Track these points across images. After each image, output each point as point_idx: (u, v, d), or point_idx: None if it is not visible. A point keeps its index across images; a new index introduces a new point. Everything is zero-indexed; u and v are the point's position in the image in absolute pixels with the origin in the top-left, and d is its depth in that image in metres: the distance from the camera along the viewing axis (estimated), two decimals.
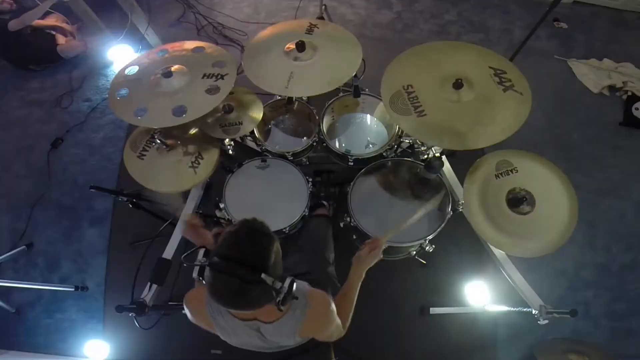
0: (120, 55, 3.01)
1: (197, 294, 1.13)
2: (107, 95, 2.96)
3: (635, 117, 2.76)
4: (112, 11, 3.05)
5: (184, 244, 1.85)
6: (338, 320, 1.17)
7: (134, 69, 1.66)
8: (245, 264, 0.86)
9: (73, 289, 2.29)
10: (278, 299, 0.90)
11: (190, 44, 1.76)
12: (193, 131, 1.81)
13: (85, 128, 2.86)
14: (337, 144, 1.98)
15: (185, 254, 1.02)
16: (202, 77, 1.62)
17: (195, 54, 1.72)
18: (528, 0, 3.31)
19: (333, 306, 1.14)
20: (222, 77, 1.62)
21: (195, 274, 0.94)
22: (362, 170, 1.85)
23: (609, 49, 3.06)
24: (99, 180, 2.62)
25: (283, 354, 1.36)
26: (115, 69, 3.09)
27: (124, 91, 1.58)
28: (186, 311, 1.14)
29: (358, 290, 1.30)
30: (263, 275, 0.86)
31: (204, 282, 0.93)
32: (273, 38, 1.77)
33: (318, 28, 1.79)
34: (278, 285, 0.89)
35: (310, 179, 1.84)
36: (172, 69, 1.60)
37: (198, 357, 2.15)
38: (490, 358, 2.18)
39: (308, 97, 2.13)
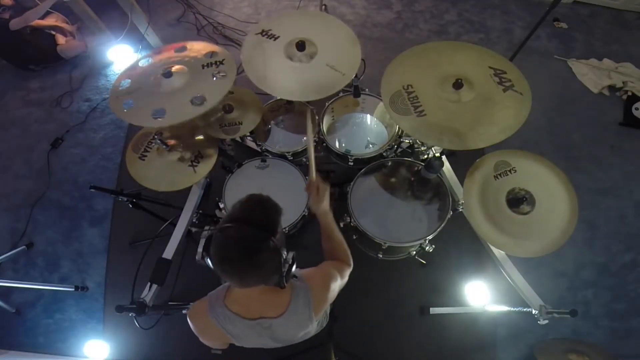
0: (120, 55, 3.01)
1: (198, 308, 1.10)
2: (107, 95, 2.96)
3: (635, 117, 2.76)
4: (112, 11, 3.05)
5: (184, 243, 1.85)
6: (339, 278, 1.17)
7: (127, 82, 1.64)
8: (256, 225, 0.89)
9: (73, 289, 2.29)
10: (283, 269, 0.92)
11: (170, 48, 1.74)
12: (199, 137, 1.81)
13: (85, 128, 2.86)
14: (337, 144, 1.98)
15: (193, 222, 1.03)
16: (203, 68, 1.62)
17: (179, 54, 1.70)
18: (528, 0, 3.31)
19: (329, 270, 1.15)
20: (221, 62, 1.62)
21: (200, 249, 0.93)
22: (362, 170, 1.85)
23: (609, 49, 3.07)
24: (99, 180, 2.63)
25: (283, 354, 1.36)
26: (115, 69, 3.10)
27: (129, 102, 1.57)
28: (193, 329, 1.10)
29: (335, 224, 1.29)
30: (273, 239, 0.89)
31: (208, 261, 0.93)
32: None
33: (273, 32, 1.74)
34: (284, 253, 0.92)
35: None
36: (172, 69, 1.60)
37: (198, 357, 2.15)
38: (490, 358, 2.18)
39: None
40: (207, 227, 0.96)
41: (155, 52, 1.74)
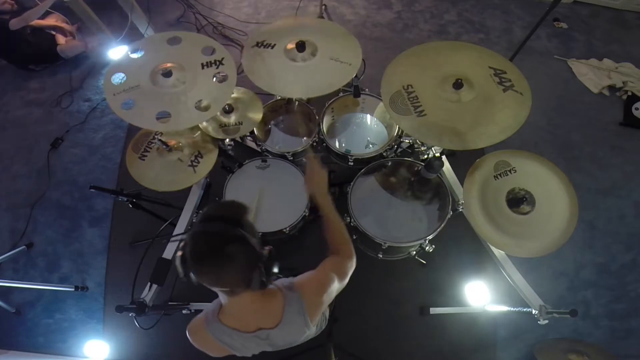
0: (120, 55, 3.00)
1: (196, 323, 1.09)
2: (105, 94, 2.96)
3: (635, 117, 2.76)
4: (112, 11, 3.05)
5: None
6: (337, 280, 1.13)
7: (121, 76, 1.59)
8: (219, 219, 0.91)
9: (73, 289, 2.29)
10: (260, 264, 0.91)
11: (164, 35, 1.70)
12: (197, 134, 1.81)
13: (85, 128, 2.86)
14: (337, 144, 1.98)
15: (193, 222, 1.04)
16: (202, 68, 1.60)
17: (173, 47, 1.68)
18: (528, 0, 3.31)
19: (325, 273, 1.12)
20: (220, 62, 1.61)
21: (179, 268, 0.93)
22: (362, 170, 1.85)
23: (609, 49, 3.07)
24: (99, 180, 2.63)
25: (284, 354, 1.35)
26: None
27: (129, 102, 1.55)
28: (194, 344, 1.09)
29: (336, 211, 1.28)
30: (238, 229, 0.89)
31: (191, 275, 0.92)
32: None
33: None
34: (256, 244, 0.91)
35: None
36: (169, 67, 1.58)
37: (198, 357, 2.15)
38: (490, 358, 2.18)
39: (308, 97, 2.13)
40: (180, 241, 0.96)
41: (146, 43, 1.71)
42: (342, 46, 1.71)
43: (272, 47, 1.71)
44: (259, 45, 1.72)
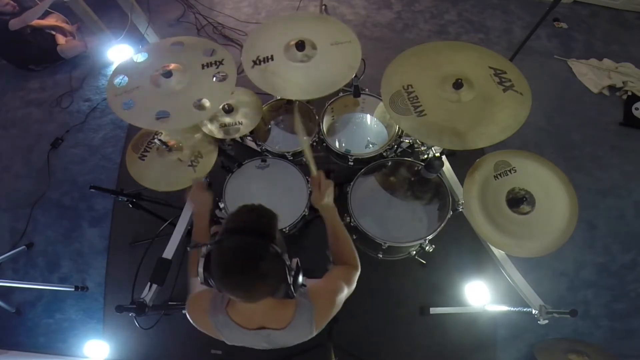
0: (120, 55, 3.00)
1: (200, 301, 1.08)
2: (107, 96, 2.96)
3: (635, 117, 2.76)
4: (112, 11, 3.05)
5: (185, 243, 1.85)
6: (346, 288, 1.13)
7: (124, 79, 1.60)
8: (252, 232, 0.86)
9: (73, 289, 2.29)
10: (289, 278, 0.88)
11: (167, 41, 1.73)
12: (198, 135, 1.80)
13: (85, 128, 2.86)
14: (337, 144, 1.98)
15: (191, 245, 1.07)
16: (202, 68, 1.60)
17: (175, 47, 1.69)
18: (528, 0, 3.31)
19: (336, 283, 1.11)
20: (220, 63, 1.61)
21: (200, 269, 0.89)
22: (362, 170, 1.85)
23: (609, 49, 3.07)
24: (99, 180, 2.63)
25: (283, 354, 1.35)
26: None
27: (129, 102, 1.55)
28: (188, 315, 1.08)
29: (342, 223, 1.28)
30: (272, 245, 0.85)
31: (211, 282, 0.90)
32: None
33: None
34: (287, 258, 0.87)
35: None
36: (171, 68, 1.59)
37: (198, 357, 2.15)
38: (490, 358, 2.18)
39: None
40: (205, 244, 0.91)
41: (151, 47, 1.73)
42: (331, 29, 1.71)
43: (272, 59, 1.68)
44: (258, 62, 1.68)
